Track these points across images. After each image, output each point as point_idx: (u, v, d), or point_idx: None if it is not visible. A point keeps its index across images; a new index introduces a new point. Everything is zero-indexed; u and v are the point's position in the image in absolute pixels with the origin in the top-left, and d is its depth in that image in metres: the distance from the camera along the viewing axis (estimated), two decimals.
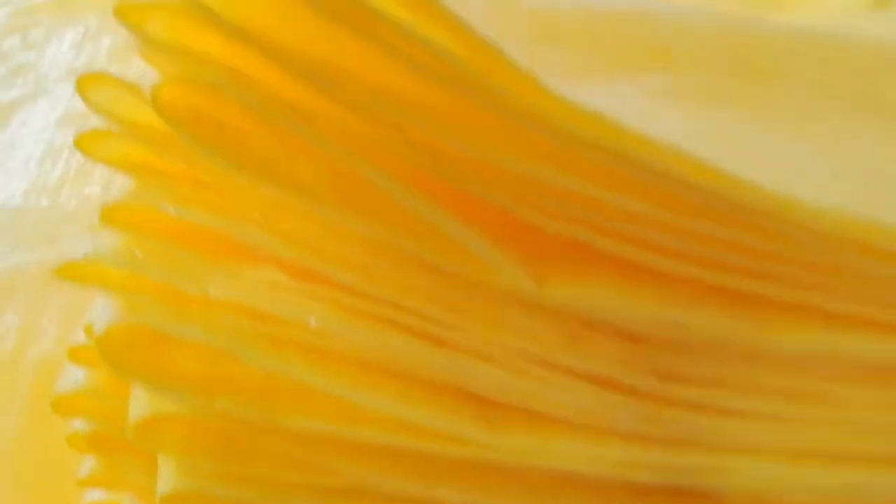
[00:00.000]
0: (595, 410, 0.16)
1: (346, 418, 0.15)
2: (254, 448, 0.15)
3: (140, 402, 0.15)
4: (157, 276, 0.14)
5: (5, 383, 0.24)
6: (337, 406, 0.15)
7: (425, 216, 0.14)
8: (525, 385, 0.16)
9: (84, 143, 0.15)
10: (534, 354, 0.16)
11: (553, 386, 0.16)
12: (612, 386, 0.16)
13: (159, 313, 0.14)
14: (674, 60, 0.21)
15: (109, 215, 0.14)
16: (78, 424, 0.17)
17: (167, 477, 0.15)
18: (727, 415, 0.17)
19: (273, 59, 0.13)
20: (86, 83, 0.14)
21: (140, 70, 0.15)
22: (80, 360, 0.16)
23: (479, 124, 0.14)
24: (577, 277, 0.15)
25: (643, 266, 0.16)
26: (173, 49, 0.14)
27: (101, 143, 0.15)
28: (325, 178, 0.14)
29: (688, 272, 0.16)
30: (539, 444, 0.16)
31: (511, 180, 0.14)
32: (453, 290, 0.15)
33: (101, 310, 0.14)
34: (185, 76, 0.14)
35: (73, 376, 0.16)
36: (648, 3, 0.24)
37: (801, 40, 0.24)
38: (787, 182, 0.17)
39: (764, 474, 0.17)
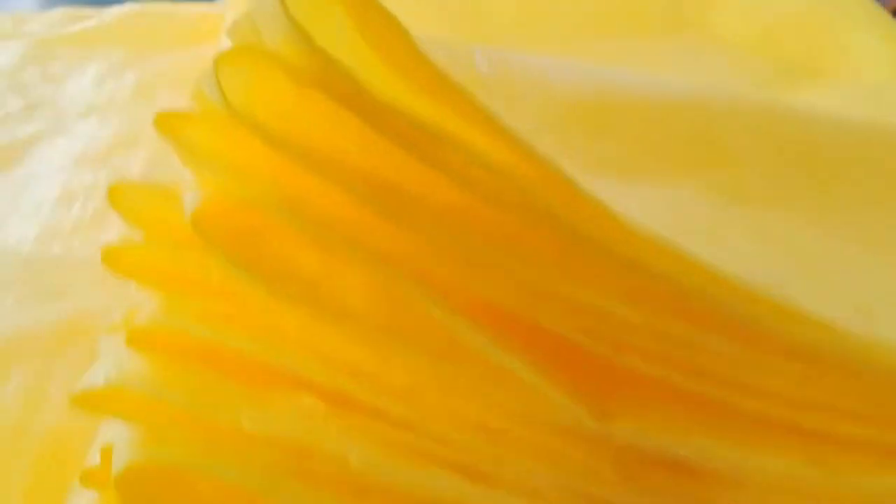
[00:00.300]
0: None
1: None
2: None
3: None
4: (185, 404, 0.13)
5: (10, 454, 0.23)
6: None
7: (479, 347, 0.13)
8: None
9: (109, 258, 0.13)
10: (586, 491, 0.14)
11: None
12: None
13: (186, 449, 0.13)
14: (729, 155, 0.20)
15: (135, 338, 0.13)
16: None
17: None
18: None
19: (324, 175, 0.12)
20: (116, 193, 0.13)
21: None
22: (93, 484, 0.14)
23: (545, 251, 0.13)
24: (639, 413, 0.14)
25: (706, 399, 0.14)
26: (214, 162, 0.12)
27: (127, 256, 0.14)
28: (372, 301, 0.13)
29: (754, 407, 0.15)
30: None
31: (577, 310, 0.13)
32: (506, 424, 0.14)
33: (119, 437, 0.13)
34: (226, 192, 0.12)
35: (85, 498, 0.15)
36: (697, 89, 0.23)
37: (850, 134, 0.23)
38: (861, 309, 0.16)
39: None
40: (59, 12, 0.42)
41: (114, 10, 0.42)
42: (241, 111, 0.12)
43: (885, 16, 0.40)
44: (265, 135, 0.12)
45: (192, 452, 0.13)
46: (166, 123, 0.13)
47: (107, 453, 0.14)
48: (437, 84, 0.12)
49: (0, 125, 0.36)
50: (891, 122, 0.26)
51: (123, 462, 0.12)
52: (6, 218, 0.32)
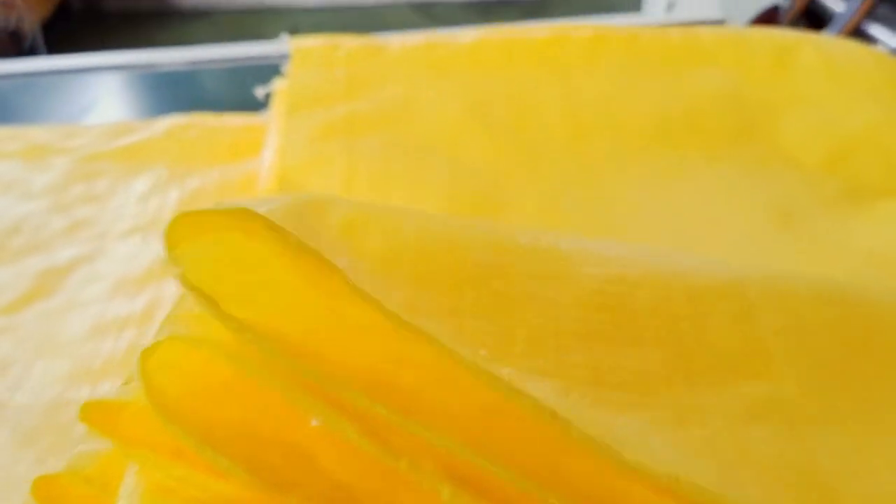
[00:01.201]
0: None
1: None
2: None
3: None
4: None
5: None
6: None
7: None
8: None
9: None
10: None
11: None
12: None
13: None
14: (771, 361, 0.18)
15: None
16: None
17: None
18: None
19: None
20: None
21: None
22: None
23: None
24: None
25: None
26: (147, 460, 0.11)
27: None
28: None
29: None
30: None
31: None
32: None
33: None
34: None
35: None
36: (736, 272, 0.20)
37: None
38: None
39: None
40: (108, 125, 0.43)
41: (160, 124, 0.42)
42: (167, 411, 0.11)
43: None
44: (195, 441, 0.11)
45: None
46: (91, 416, 0.11)
47: None
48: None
49: (42, 249, 0.36)
50: None
51: None
52: (41, 351, 0.32)
